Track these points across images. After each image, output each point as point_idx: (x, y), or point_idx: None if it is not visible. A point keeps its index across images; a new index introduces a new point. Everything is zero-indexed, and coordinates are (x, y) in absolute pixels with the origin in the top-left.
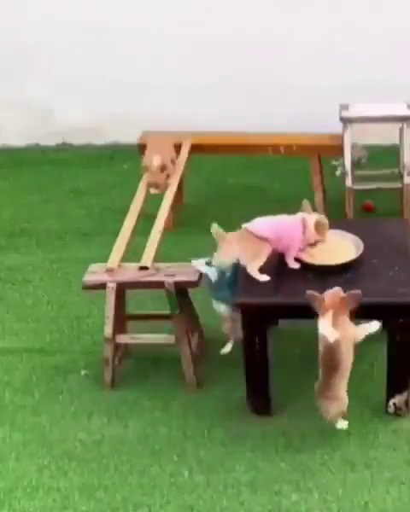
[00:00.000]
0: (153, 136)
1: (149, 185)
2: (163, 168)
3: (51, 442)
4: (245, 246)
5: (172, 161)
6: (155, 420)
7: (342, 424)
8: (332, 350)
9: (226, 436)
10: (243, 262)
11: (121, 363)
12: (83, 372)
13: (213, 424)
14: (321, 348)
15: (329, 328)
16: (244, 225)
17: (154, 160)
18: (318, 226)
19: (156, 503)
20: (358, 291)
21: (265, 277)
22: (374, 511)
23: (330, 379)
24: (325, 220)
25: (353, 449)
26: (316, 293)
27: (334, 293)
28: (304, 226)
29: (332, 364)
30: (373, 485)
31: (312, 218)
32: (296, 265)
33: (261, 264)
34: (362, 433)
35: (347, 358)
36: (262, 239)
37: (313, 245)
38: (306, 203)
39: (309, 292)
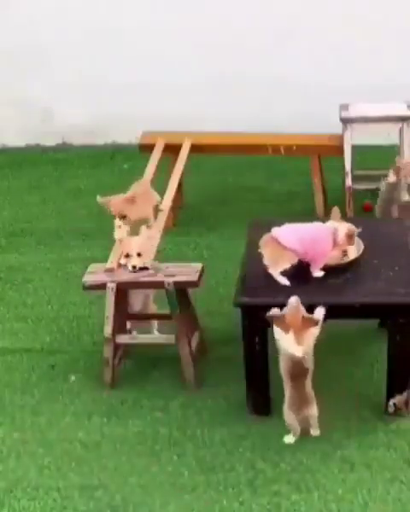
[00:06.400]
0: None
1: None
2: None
3: (51, 442)
4: (270, 251)
5: (153, 210)
6: (155, 420)
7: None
8: (300, 363)
9: (226, 436)
10: (266, 262)
11: (121, 363)
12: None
13: (213, 424)
14: (288, 363)
15: (293, 345)
16: (273, 231)
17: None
18: (348, 236)
19: (156, 503)
20: (316, 316)
21: (285, 281)
22: (374, 511)
23: (303, 388)
24: (354, 229)
25: (353, 449)
26: (277, 314)
27: (293, 310)
28: (334, 240)
29: (302, 373)
30: (373, 485)
31: (343, 229)
32: (321, 274)
33: (284, 268)
34: (362, 433)
35: (312, 364)
36: (288, 249)
37: (343, 252)
38: (336, 211)
39: (268, 314)
